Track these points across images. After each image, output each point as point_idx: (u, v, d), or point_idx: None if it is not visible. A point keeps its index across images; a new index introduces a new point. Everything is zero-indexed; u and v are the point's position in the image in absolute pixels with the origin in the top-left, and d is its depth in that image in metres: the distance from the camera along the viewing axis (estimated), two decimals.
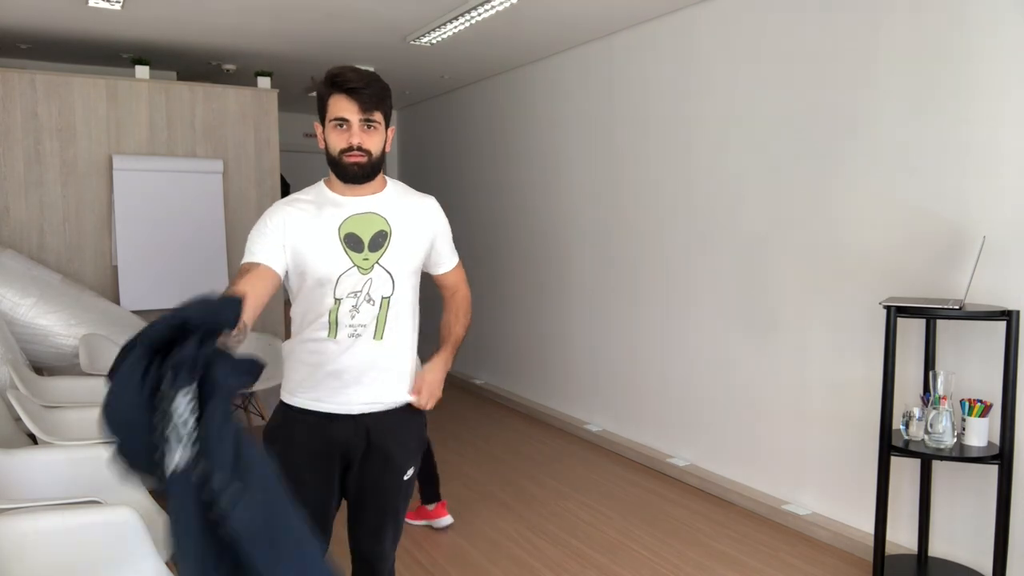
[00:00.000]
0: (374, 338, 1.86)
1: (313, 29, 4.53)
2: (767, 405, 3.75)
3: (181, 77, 5.61)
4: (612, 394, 4.84)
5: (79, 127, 4.74)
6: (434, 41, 4.71)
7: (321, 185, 1.96)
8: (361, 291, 1.84)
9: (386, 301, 1.87)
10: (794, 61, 3.51)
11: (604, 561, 3.18)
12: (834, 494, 3.43)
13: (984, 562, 2.83)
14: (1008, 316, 2.60)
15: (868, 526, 3.17)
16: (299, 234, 1.84)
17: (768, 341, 3.71)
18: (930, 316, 2.73)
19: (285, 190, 6.85)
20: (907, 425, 2.82)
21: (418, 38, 4.65)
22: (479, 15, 4.10)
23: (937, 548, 3.02)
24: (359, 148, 1.81)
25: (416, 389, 1.92)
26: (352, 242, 1.84)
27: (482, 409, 5.77)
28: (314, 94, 1.96)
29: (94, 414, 3.15)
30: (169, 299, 4.88)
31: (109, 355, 4.06)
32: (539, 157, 5.46)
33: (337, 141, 1.83)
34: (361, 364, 1.85)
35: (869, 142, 3.20)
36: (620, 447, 4.63)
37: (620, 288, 4.71)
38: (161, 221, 4.85)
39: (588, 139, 4.93)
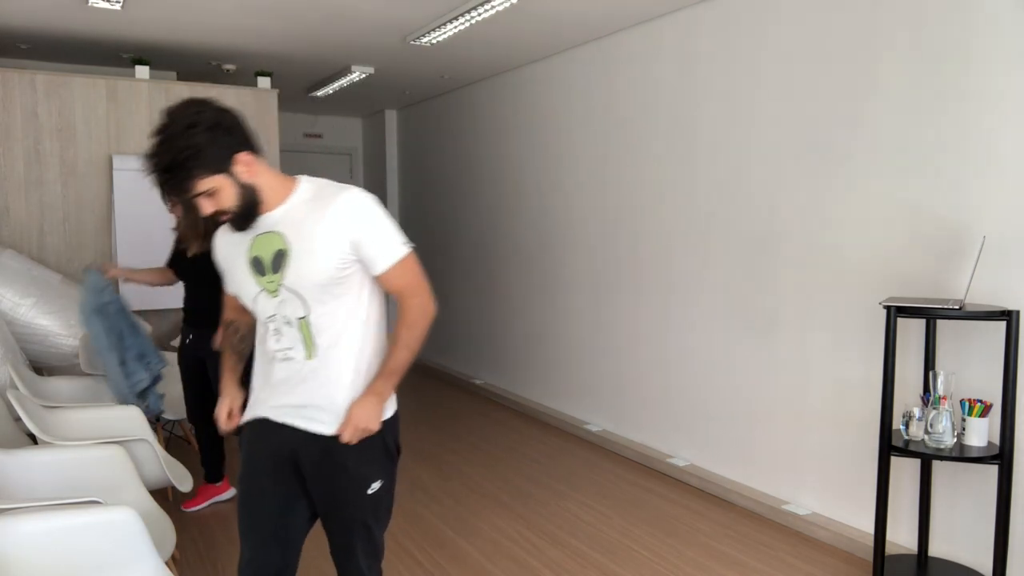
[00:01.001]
0: (307, 358, 1.77)
1: (313, 29, 4.53)
2: (767, 405, 3.75)
3: (181, 77, 5.61)
4: (612, 394, 4.84)
5: (79, 127, 4.74)
6: (434, 41, 4.71)
7: None
8: (276, 314, 1.77)
9: (303, 321, 1.76)
10: (794, 61, 3.51)
11: (604, 561, 3.18)
12: (834, 494, 3.43)
13: (984, 562, 2.83)
14: (1008, 316, 2.60)
15: (868, 526, 3.17)
16: (226, 262, 1.88)
17: (768, 341, 3.71)
18: (930, 316, 2.73)
19: None
20: (907, 425, 2.82)
21: (418, 38, 4.65)
22: (479, 15, 4.10)
23: (937, 548, 3.02)
24: (215, 213, 1.71)
25: (342, 424, 1.76)
26: (257, 266, 1.77)
27: (482, 409, 5.77)
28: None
29: (94, 414, 3.15)
30: (169, 299, 4.91)
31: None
32: (539, 157, 5.46)
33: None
34: (298, 384, 1.79)
35: (869, 142, 3.20)
36: (620, 447, 4.63)
37: (620, 288, 4.71)
38: (161, 221, 4.85)
39: (588, 139, 4.93)
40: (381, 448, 1.85)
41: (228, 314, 2.03)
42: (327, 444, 1.79)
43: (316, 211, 1.73)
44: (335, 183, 1.81)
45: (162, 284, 3.73)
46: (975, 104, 2.83)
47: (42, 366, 4.11)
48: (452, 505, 3.80)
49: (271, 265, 1.75)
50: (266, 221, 1.75)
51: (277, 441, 1.83)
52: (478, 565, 3.15)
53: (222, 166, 1.66)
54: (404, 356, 1.82)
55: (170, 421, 4.48)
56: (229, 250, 1.85)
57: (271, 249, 1.75)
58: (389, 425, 1.87)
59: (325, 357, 1.78)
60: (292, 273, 1.73)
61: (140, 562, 2.03)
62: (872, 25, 3.16)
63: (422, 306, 1.83)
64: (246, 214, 1.72)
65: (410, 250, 1.81)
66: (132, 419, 3.13)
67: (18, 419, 3.07)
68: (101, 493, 2.39)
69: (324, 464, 1.81)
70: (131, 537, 2.02)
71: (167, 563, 2.16)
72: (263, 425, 1.85)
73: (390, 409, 1.88)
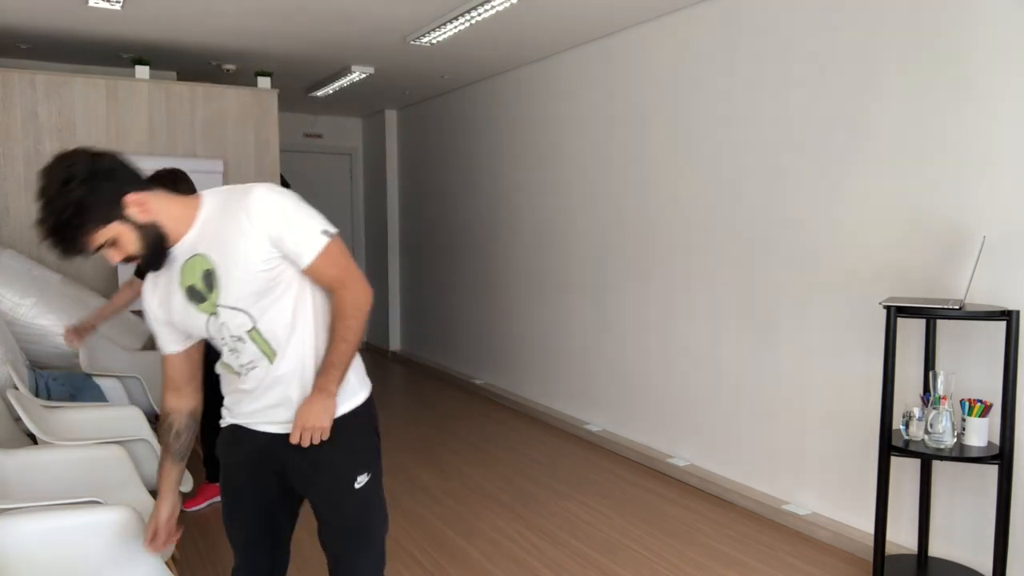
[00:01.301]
0: (271, 363, 1.73)
1: (313, 29, 4.53)
2: (767, 405, 3.75)
3: (181, 77, 5.62)
4: (612, 394, 4.84)
5: (79, 127, 4.74)
6: (434, 41, 4.71)
7: None
8: (225, 336, 1.72)
9: (253, 332, 1.70)
10: (794, 61, 3.51)
11: (604, 561, 3.18)
12: (834, 494, 3.43)
13: (984, 562, 2.83)
14: (1008, 316, 2.60)
15: (868, 526, 3.17)
16: (164, 307, 1.75)
17: (768, 341, 3.71)
18: (930, 316, 2.73)
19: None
20: (907, 425, 2.82)
21: (418, 38, 4.65)
22: (479, 15, 4.10)
23: (937, 548, 3.02)
24: (126, 259, 1.64)
25: (292, 427, 1.72)
26: (194, 294, 1.69)
27: (482, 409, 5.77)
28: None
29: (94, 414, 3.15)
30: None
31: (109, 355, 4.07)
32: (539, 157, 5.46)
33: None
34: (269, 388, 1.75)
35: (869, 142, 3.20)
36: (620, 447, 4.63)
37: (620, 288, 4.71)
38: None
39: (588, 139, 4.93)
40: (360, 438, 1.82)
41: (167, 399, 1.87)
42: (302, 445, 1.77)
43: (228, 221, 1.64)
44: (241, 186, 1.71)
45: (137, 299, 3.58)
46: (975, 104, 2.83)
47: (42, 366, 4.10)
48: (452, 505, 3.80)
49: (204, 288, 1.68)
50: (181, 249, 1.67)
51: (252, 446, 1.81)
52: (478, 565, 3.15)
53: (112, 214, 1.56)
54: (343, 348, 1.72)
55: None
56: (163, 292, 1.74)
57: (199, 272, 1.67)
58: (364, 411, 1.83)
59: (289, 356, 1.73)
60: (225, 289, 1.66)
61: (140, 562, 2.03)
62: (872, 25, 3.16)
63: (354, 298, 1.72)
64: (155, 253, 1.64)
65: (332, 238, 1.69)
66: (132, 419, 3.13)
67: (18, 419, 3.06)
68: (101, 493, 2.39)
69: (304, 465, 1.78)
70: (131, 537, 2.02)
71: (167, 563, 2.16)
72: (237, 431, 1.83)
73: (361, 394, 1.83)
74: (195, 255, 1.67)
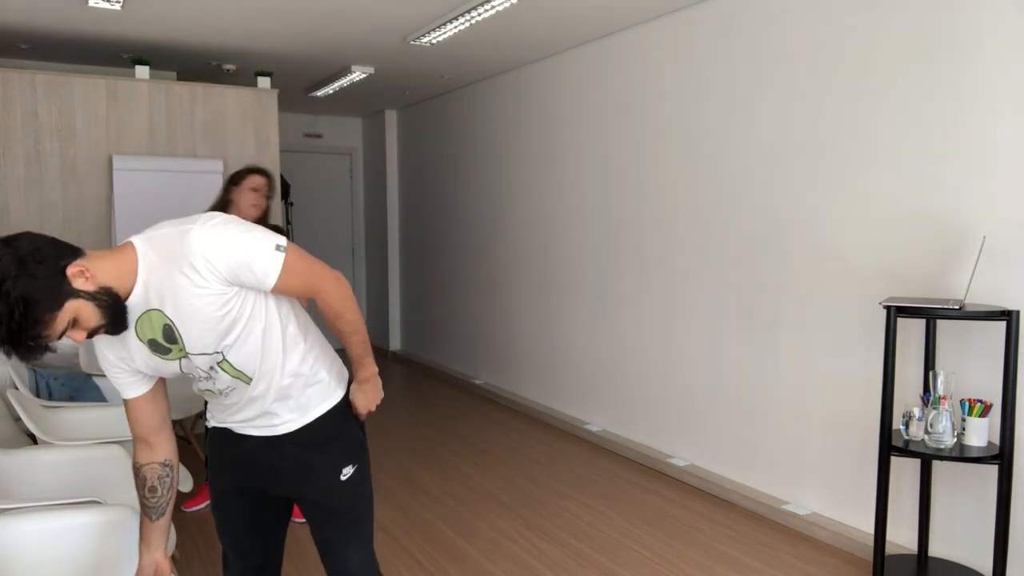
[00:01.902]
0: (247, 385, 1.71)
1: (313, 29, 4.53)
2: (767, 405, 3.75)
3: (181, 77, 5.62)
4: (612, 394, 4.84)
5: (79, 127, 4.74)
6: (434, 41, 4.71)
7: None
8: (200, 368, 1.67)
9: (225, 364, 1.66)
10: (794, 61, 3.51)
11: (604, 561, 3.18)
12: (834, 494, 3.43)
13: (984, 562, 2.83)
14: (1008, 316, 2.60)
15: (868, 526, 3.17)
16: (122, 355, 1.66)
17: (768, 341, 3.71)
18: (930, 316, 2.73)
19: (285, 190, 6.86)
20: (907, 425, 2.82)
21: (418, 38, 4.65)
22: (479, 15, 4.10)
23: (937, 548, 3.02)
24: (90, 333, 1.52)
25: (359, 414, 1.87)
26: (156, 347, 1.62)
27: (482, 409, 5.77)
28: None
29: (94, 414, 3.15)
30: None
31: None
32: (539, 157, 5.46)
33: None
34: (249, 405, 1.76)
35: (869, 142, 3.20)
36: (620, 447, 4.63)
37: (620, 288, 4.71)
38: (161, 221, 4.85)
39: (588, 139, 4.93)
40: (342, 432, 1.83)
41: (137, 454, 1.77)
42: (286, 441, 1.78)
43: (172, 272, 1.53)
44: (174, 229, 1.56)
45: None
46: (975, 104, 2.83)
47: (42, 366, 4.10)
48: (452, 505, 3.80)
49: (166, 340, 1.60)
50: (133, 304, 1.55)
51: (241, 448, 1.83)
52: (478, 565, 3.15)
53: (61, 293, 1.41)
54: (357, 340, 1.75)
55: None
56: (121, 354, 1.65)
57: (158, 327, 1.59)
58: (341, 408, 1.83)
59: (264, 376, 1.71)
60: (188, 340, 1.60)
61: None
62: (872, 25, 3.16)
63: (336, 294, 1.69)
64: (116, 317, 1.52)
65: (286, 251, 1.59)
66: None
67: (18, 419, 3.07)
68: (101, 493, 2.39)
69: (290, 464, 1.80)
70: (131, 537, 2.02)
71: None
72: (225, 433, 1.85)
73: (338, 392, 1.83)
74: (149, 310, 1.57)
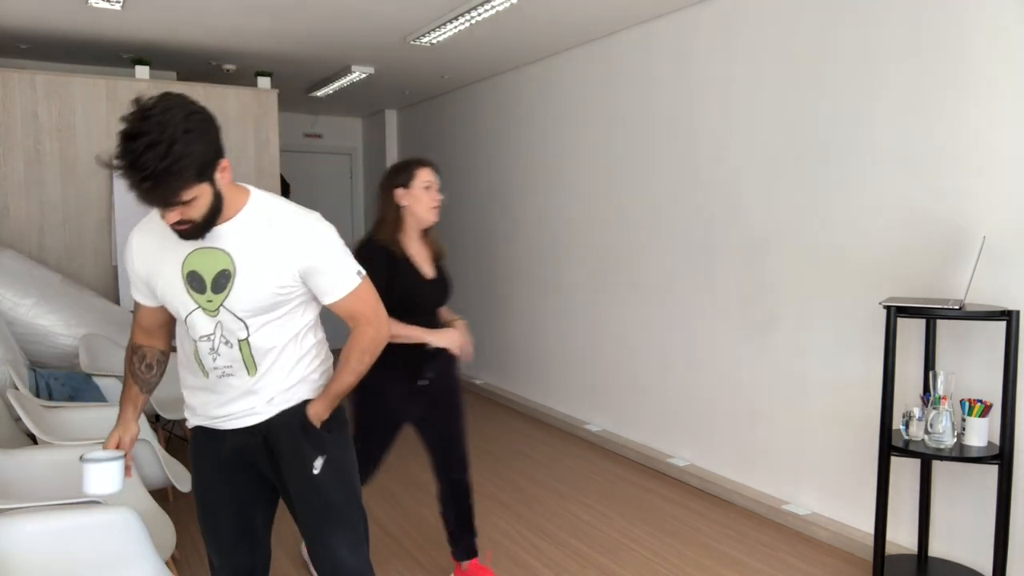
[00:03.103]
0: (249, 374, 1.72)
1: (313, 29, 4.53)
2: (767, 405, 3.75)
3: (181, 77, 5.62)
4: (612, 394, 4.84)
5: (79, 127, 4.74)
6: (434, 41, 4.71)
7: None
8: (214, 334, 1.67)
9: (244, 343, 1.69)
10: (794, 61, 3.51)
11: (604, 561, 3.18)
12: (834, 494, 3.43)
13: (984, 562, 2.83)
14: (1008, 316, 2.60)
15: (868, 526, 3.17)
16: (148, 268, 1.70)
17: (768, 341, 3.71)
18: (930, 316, 2.73)
19: (285, 190, 6.86)
20: (907, 425, 2.82)
21: (418, 38, 4.65)
22: (479, 15, 4.10)
23: (937, 548, 3.02)
24: (180, 221, 1.56)
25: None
26: (194, 282, 1.64)
27: (482, 409, 5.77)
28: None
29: (94, 414, 3.15)
30: None
31: (109, 355, 4.07)
32: (539, 157, 5.46)
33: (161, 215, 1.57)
34: (240, 397, 1.75)
35: (869, 142, 3.20)
36: (620, 447, 4.63)
37: (620, 288, 4.71)
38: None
39: (588, 139, 4.93)
40: (310, 426, 1.82)
41: (136, 336, 1.84)
42: (261, 431, 1.79)
43: (269, 235, 1.63)
44: (291, 205, 1.70)
45: None
46: (975, 104, 2.83)
47: (42, 366, 4.11)
48: None
49: (212, 284, 1.63)
50: (212, 234, 1.61)
51: (225, 446, 1.82)
52: None
53: (208, 173, 1.52)
54: (350, 381, 1.80)
55: (170, 421, 4.48)
56: (155, 255, 1.67)
57: (213, 267, 1.63)
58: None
59: (267, 375, 1.74)
60: (235, 296, 1.63)
61: (140, 562, 2.03)
62: (872, 25, 3.16)
63: (375, 334, 1.79)
64: (207, 225, 1.57)
65: (363, 278, 1.76)
66: None
67: (18, 419, 3.07)
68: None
69: (267, 454, 1.81)
70: (131, 537, 2.02)
71: (167, 563, 2.16)
72: (207, 433, 1.83)
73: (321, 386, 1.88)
74: (217, 248, 1.62)
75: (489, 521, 3.60)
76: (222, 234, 1.62)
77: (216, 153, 1.54)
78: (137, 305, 1.81)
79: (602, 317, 4.88)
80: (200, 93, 5.05)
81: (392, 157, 7.82)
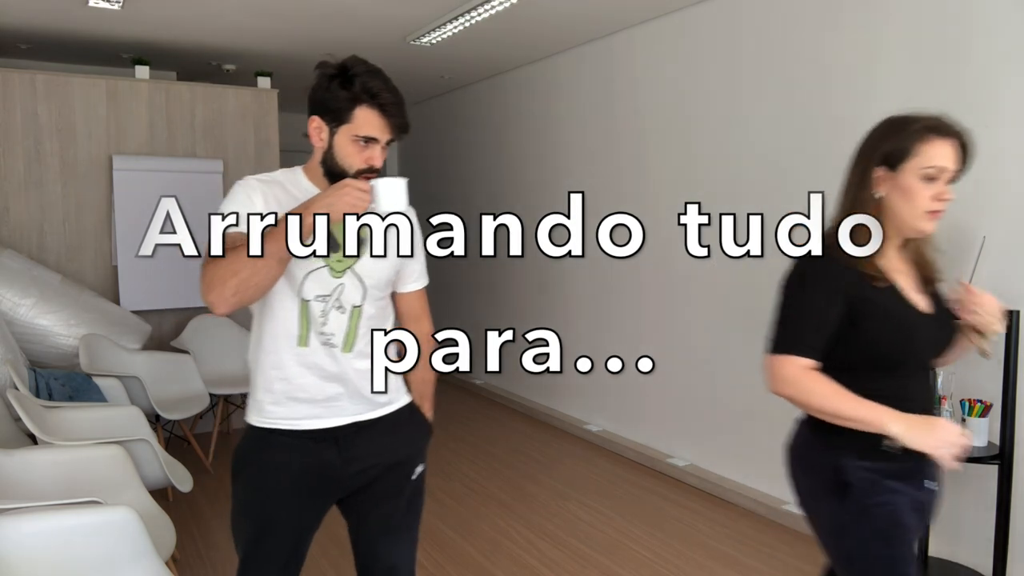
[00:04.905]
0: (344, 350, 1.65)
1: (313, 29, 4.53)
2: (767, 405, 3.74)
3: (181, 77, 5.61)
4: (612, 394, 4.84)
5: (79, 127, 4.74)
6: (434, 41, 4.71)
7: (298, 173, 1.70)
8: (331, 296, 1.62)
9: (357, 310, 1.65)
10: (794, 61, 3.51)
11: (604, 561, 3.18)
12: None
13: (984, 562, 2.82)
14: (1008, 316, 2.60)
15: None
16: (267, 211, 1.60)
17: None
18: None
19: None
20: None
21: (418, 38, 4.65)
22: (479, 15, 4.10)
23: (937, 548, 3.01)
24: (371, 168, 1.64)
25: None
26: (329, 240, 1.61)
27: (482, 409, 5.77)
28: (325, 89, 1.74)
29: (94, 414, 3.15)
30: (169, 299, 4.92)
31: (109, 355, 4.07)
32: (539, 157, 5.46)
33: (355, 159, 1.64)
34: (332, 376, 1.65)
35: None
36: (620, 447, 4.63)
37: (619, 287, 4.71)
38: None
39: (588, 139, 4.93)
40: (419, 428, 1.89)
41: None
42: (369, 427, 1.71)
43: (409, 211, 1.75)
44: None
45: None
46: (975, 105, 2.83)
47: (42, 366, 4.11)
48: (452, 505, 3.80)
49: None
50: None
51: (306, 453, 1.65)
52: (478, 565, 3.15)
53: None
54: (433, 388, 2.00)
55: (170, 421, 4.48)
56: (288, 206, 1.58)
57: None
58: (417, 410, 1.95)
59: (358, 356, 1.68)
60: (368, 261, 1.67)
61: (140, 562, 2.03)
62: (872, 25, 3.16)
63: (430, 331, 1.95)
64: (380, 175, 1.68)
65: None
66: (132, 419, 3.13)
67: (18, 419, 3.07)
68: (101, 493, 2.39)
69: (373, 448, 1.72)
70: (131, 537, 2.02)
71: (167, 563, 2.16)
72: (281, 439, 1.65)
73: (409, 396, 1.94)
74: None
75: (489, 521, 3.60)
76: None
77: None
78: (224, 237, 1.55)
79: (602, 316, 4.88)
80: (200, 93, 5.05)
81: (392, 157, 7.81)
